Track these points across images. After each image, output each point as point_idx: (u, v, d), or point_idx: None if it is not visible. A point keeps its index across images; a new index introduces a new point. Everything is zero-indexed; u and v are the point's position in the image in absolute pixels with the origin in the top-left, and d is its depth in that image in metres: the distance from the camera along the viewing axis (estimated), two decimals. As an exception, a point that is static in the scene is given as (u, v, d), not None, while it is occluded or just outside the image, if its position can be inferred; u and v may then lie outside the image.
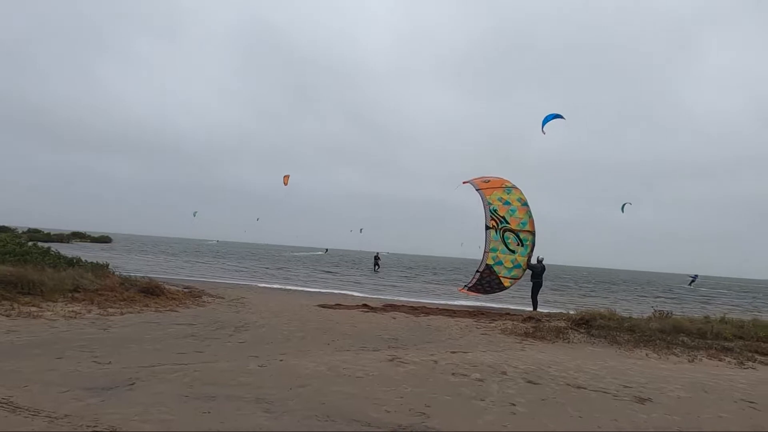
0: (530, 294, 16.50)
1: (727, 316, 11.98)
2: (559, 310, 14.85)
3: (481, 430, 4.28)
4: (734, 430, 4.73)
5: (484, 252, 17.07)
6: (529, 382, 6.06)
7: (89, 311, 9.54)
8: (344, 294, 20.26)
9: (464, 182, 17.77)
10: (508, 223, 16.61)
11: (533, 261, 16.60)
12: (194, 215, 77.62)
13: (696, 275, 60.18)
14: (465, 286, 18.06)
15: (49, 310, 9.17)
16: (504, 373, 6.42)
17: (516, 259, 16.61)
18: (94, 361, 6.11)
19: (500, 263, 16.78)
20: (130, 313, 9.97)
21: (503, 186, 17.08)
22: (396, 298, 19.27)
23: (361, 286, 26.19)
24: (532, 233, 16.49)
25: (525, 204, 16.71)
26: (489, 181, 17.40)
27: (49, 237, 54.54)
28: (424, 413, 4.59)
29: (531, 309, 15.86)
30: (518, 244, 16.56)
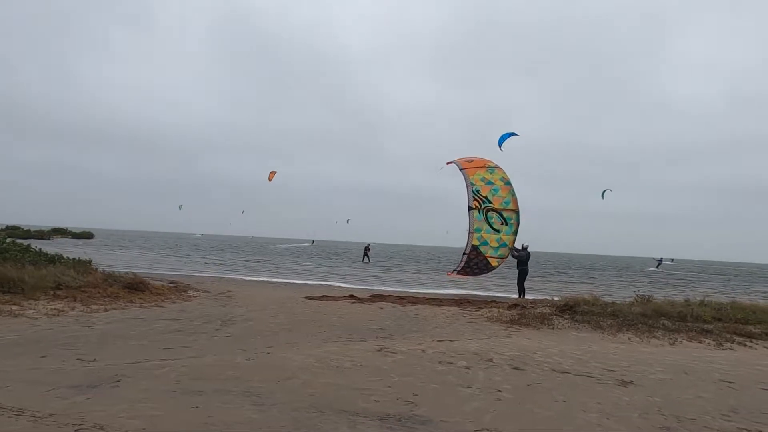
0: (516, 281, 16.66)
1: (706, 299, 12.26)
2: (544, 297, 15.05)
3: (469, 417, 4.34)
4: (713, 410, 4.86)
5: (469, 233, 17.03)
6: (515, 368, 6.15)
7: (72, 308, 9.41)
8: (331, 285, 20.28)
9: (448, 163, 17.74)
10: (491, 202, 16.62)
11: (518, 247, 16.72)
12: (180, 208, 76.98)
13: (662, 258, 62.63)
14: (454, 270, 18.09)
15: (30, 309, 9.02)
16: (490, 360, 6.51)
17: (501, 238, 16.64)
18: (79, 359, 6.04)
19: (486, 243, 16.80)
20: (114, 309, 9.86)
21: (486, 166, 17.07)
22: (383, 288, 19.34)
23: (348, 276, 26.22)
24: (516, 212, 16.52)
25: (508, 183, 16.72)
26: (472, 161, 17.40)
27: (29, 234, 53.55)
28: (412, 402, 4.64)
29: (517, 296, 16.05)
30: (502, 224, 16.58)
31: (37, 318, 8.46)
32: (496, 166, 17.07)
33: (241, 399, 4.50)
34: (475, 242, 17.00)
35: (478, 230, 16.90)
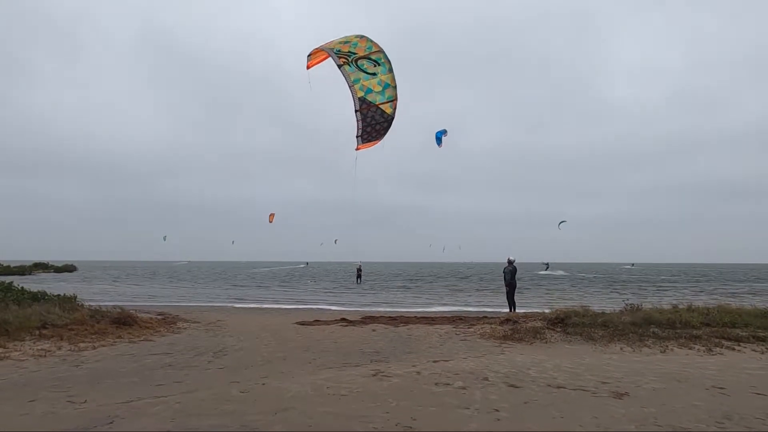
0: (506, 297, 16.74)
1: (693, 304, 12.44)
2: (534, 310, 15.13)
3: (468, 439, 4.34)
4: (708, 418, 4.93)
5: (350, 87, 16.27)
6: (511, 386, 6.18)
7: (59, 348, 9.22)
8: (322, 309, 20.15)
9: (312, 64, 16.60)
10: (355, 53, 16.05)
11: (506, 264, 16.81)
12: (164, 239, 76.09)
13: (548, 263, 68.28)
14: (357, 143, 17.02)
15: (16, 350, 8.81)
16: (486, 379, 6.53)
17: (381, 80, 15.98)
18: (69, 401, 5.91)
19: (370, 90, 16.15)
20: (103, 346, 9.68)
21: (335, 41, 16.27)
22: (374, 309, 19.27)
23: (338, 298, 26.09)
24: (381, 51, 16.00)
25: (362, 36, 16.22)
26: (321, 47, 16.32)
27: (9, 270, 52.39)
28: (411, 426, 4.63)
29: (507, 311, 16.10)
30: (375, 65, 16.04)
31: (23, 360, 8.27)
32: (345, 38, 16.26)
33: (239, 434, 4.45)
34: (360, 93, 16.25)
35: (357, 81, 16.10)
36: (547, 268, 68.16)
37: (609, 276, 61.09)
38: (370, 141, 17.08)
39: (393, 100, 16.25)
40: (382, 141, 16.26)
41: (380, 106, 16.30)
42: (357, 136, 16.74)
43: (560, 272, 64.68)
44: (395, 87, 15.81)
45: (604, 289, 34.82)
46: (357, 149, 17.30)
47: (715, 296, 27.47)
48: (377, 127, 16.76)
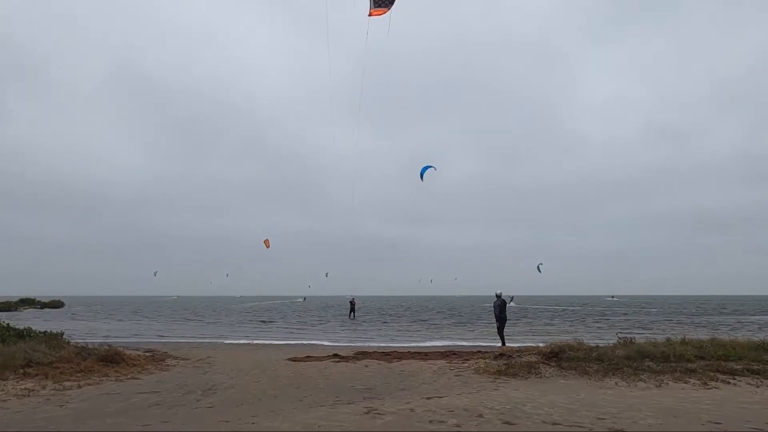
0: (496, 331, 16.69)
1: (686, 337, 12.41)
2: (528, 344, 15.01)
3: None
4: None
5: None
6: (506, 422, 6.08)
7: (44, 387, 8.98)
8: (313, 344, 19.85)
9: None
10: None
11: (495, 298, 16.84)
12: (155, 275, 75.34)
13: (513, 296, 69.67)
14: (370, 7, 15.92)
15: (-2, 390, 8.58)
16: (480, 415, 6.42)
17: None
18: (52, 443, 5.74)
19: None
20: (89, 385, 9.45)
21: None
22: (367, 345, 19.01)
23: (331, 333, 25.74)
24: None
25: None
26: None
27: (-5, 306, 51.32)
28: (405, 467, 4.53)
29: (500, 345, 16.00)
30: None
31: (6, 400, 8.03)
32: None
33: (228, 476, 4.33)
34: None
35: None
36: (512, 300, 67.21)
37: (591, 308, 61.35)
38: (382, 7, 16.45)
39: None
40: (390, 10, 15.72)
41: None
42: (372, 6, 16.17)
43: (534, 305, 65.04)
44: None
45: (591, 321, 34.80)
46: (369, 15, 16.71)
47: (702, 327, 27.51)
48: None
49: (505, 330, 16.58)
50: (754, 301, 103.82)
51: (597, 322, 34.02)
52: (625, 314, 44.67)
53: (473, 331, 26.97)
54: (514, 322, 30.55)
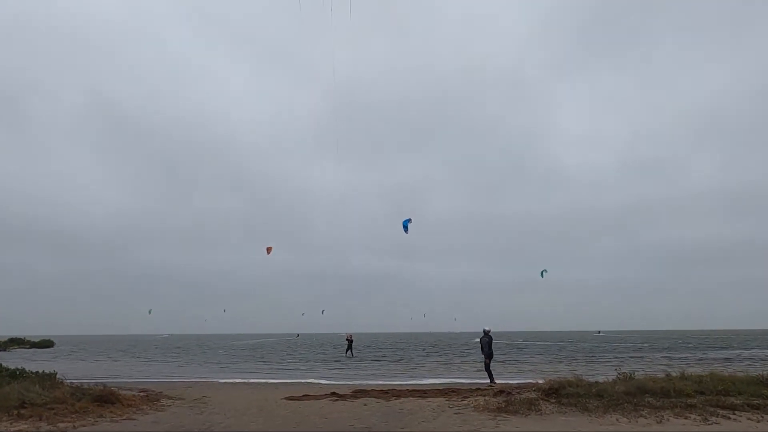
0: (484, 367, 16.88)
1: (686, 371, 12.39)
2: (528, 380, 14.91)
3: None
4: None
5: None
6: (508, 460, 6.05)
7: (38, 428, 8.83)
8: (311, 383, 19.56)
9: None
10: None
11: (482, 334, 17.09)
12: (149, 313, 74.62)
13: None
14: None
15: (-9, 432, 8.44)
16: (482, 453, 6.39)
17: None
18: (49, 486, 5.66)
19: None
20: (84, 426, 9.29)
21: None
22: (365, 383, 18.75)
23: (328, 371, 25.37)
24: None
25: None
26: None
27: (-16, 346, 50.29)
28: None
29: (499, 382, 15.99)
30: None
31: (-1, 442, 7.91)
32: None
33: None
34: None
35: None
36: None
37: (578, 344, 60.94)
38: None
39: None
40: None
41: None
42: None
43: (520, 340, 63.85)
44: None
45: (581, 357, 34.55)
46: None
47: (691, 363, 27.34)
48: None
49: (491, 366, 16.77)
50: (742, 334, 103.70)
51: (582, 356, 33.83)
52: (614, 350, 44.50)
53: (471, 368, 26.66)
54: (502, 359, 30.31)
